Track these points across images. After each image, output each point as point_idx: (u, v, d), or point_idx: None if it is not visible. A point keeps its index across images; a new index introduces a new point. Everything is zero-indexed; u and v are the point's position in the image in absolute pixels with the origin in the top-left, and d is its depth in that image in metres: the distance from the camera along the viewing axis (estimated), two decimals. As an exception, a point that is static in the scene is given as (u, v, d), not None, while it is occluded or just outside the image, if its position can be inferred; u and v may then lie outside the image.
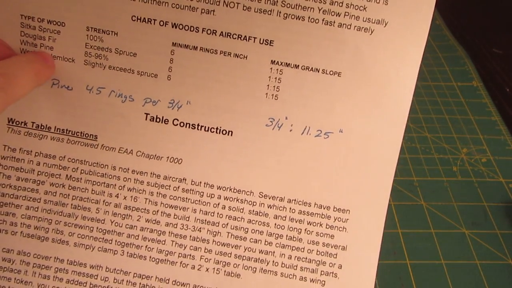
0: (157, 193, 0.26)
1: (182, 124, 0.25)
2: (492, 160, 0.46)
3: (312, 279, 0.26)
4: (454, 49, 0.61)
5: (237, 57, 0.25)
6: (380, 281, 0.36)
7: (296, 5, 0.24)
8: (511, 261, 0.37)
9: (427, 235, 0.39)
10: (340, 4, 0.23)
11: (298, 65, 0.25)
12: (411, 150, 0.47)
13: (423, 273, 0.36)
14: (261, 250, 0.26)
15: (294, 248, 0.26)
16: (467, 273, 0.37)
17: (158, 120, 0.25)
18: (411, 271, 0.36)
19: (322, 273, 0.26)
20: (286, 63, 0.25)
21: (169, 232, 0.26)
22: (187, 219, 0.26)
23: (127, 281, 0.26)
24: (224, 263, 0.26)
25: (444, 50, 0.61)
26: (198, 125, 0.25)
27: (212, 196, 0.26)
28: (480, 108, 0.52)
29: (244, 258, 0.26)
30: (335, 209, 0.26)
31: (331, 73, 0.25)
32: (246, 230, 0.26)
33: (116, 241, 0.26)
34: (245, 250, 0.26)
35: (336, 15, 0.24)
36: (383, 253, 0.38)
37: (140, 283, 0.26)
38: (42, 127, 0.26)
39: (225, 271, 0.26)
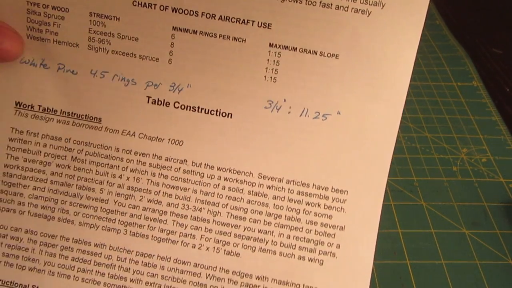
0: (159, 174, 0.26)
1: (183, 107, 0.26)
2: (492, 160, 0.46)
3: (311, 259, 0.26)
4: (454, 49, 0.61)
5: (236, 40, 0.25)
6: (380, 281, 0.36)
7: None
8: (511, 261, 0.38)
9: (427, 235, 0.39)
10: None
11: (296, 48, 0.25)
12: (411, 150, 0.47)
13: (423, 273, 0.37)
14: (260, 230, 0.26)
15: (292, 228, 0.26)
16: (467, 273, 0.37)
17: (159, 103, 0.26)
18: (411, 271, 0.37)
19: (321, 252, 0.26)
20: (284, 46, 0.25)
21: (171, 212, 0.26)
22: (188, 199, 0.26)
23: (129, 259, 0.26)
24: (224, 242, 0.26)
25: (444, 50, 0.61)
26: (198, 107, 0.26)
27: (212, 177, 0.26)
28: (480, 108, 0.52)
29: (243, 237, 0.26)
30: (333, 190, 0.26)
31: (329, 55, 0.25)
32: (246, 210, 0.26)
33: (119, 220, 0.26)
34: (245, 229, 0.26)
35: None
36: (383, 253, 0.39)
37: (142, 261, 0.26)
38: (49, 110, 0.26)
39: (225, 250, 0.26)
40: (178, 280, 0.26)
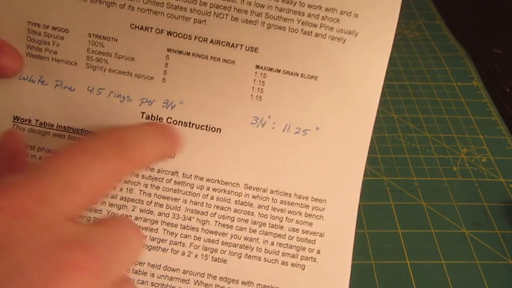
0: (151, 185, 0.28)
1: (175, 122, 0.28)
2: (492, 160, 0.46)
3: (293, 264, 0.28)
4: (454, 49, 0.62)
5: (226, 62, 0.27)
6: (380, 281, 0.36)
7: (278, 16, 0.26)
8: (511, 261, 0.38)
9: (427, 235, 0.40)
10: (317, 17, 0.26)
11: (280, 70, 0.27)
12: (411, 150, 0.47)
13: (423, 273, 0.37)
14: (246, 237, 0.28)
15: (276, 235, 0.28)
16: (467, 273, 0.37)
17: (153, 118, 0.28)
18: (411, 271, 0.37)
19: (302, 258, 0.28)
20: (269, 68, 0.27)
21: (161, 221, 0.28)
22: (178, 209, 0.28)
23: None
24: (212, 250, 0.28)
25: (444, 50, 0.61)
26: (189, 123, 0.28)
27: (202, 187, 0.28)
28: (480, 108, 0.53)
29: (230, 244, 0.28)
30: (313, 199, 0.28)
31: (309, 77, 0.27)
32: (233, 218, 0.28)
33: None
34: (231, 237, 0.28)
35: (313, 26, 0.27)
36: (383, 253, 0.39)
37: (133, 269, 0.28)
38: (45, 124, 0.28)
39: (212, 257, 0.28)
40: (168, 287, 0.28)
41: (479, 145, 0.48)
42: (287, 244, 0.28)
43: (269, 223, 0.28)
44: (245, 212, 0.28)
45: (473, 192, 0.43)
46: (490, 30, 0.66)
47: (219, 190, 0.28)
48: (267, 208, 0.28)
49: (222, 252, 0.28)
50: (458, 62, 0.59)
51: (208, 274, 0.28)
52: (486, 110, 0.52)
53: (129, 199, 0.28)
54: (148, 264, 0.28)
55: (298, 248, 0.28)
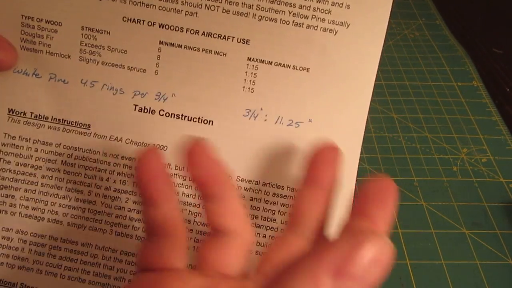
0: None
1: (167, 115, 0.28)
2: (492, 160, 0.46)
3: None
4: (454, 49, 0.61)
5: (217, 54, 0.27)
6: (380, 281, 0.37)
7: (270, 8, 0.26)
8: (511, 261, 0.38)
9: (427, 235, 0.39)
10: (308, 8, 0.26)
11: (272, 62, 0.27)
12: (411, 150, 0.47)
13: (423, 273, 0.37)
14: None
15: (268, 228, 0.28)
16: (467, 273, 0.37)
17: (145, 111, 0.28)
18: (411, 271, 0.37)
19: None
20: (261, 60, 0.27)
21: None
22: None
23: (114, 258, 0.28)
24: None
25: (444, 50, 0.61)
26: (182, 115, 0.28)
27: None
28: (480, 108, 0.52)
29: None
30: None
31: (301, 69, 0.27)
32: None
33: (105, 221, 0.28)
34: None
35: (305, 18, 0.26)
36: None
37: (125, 260, 0.28)
38: (40, 117, 0.28)
39: None
40: None
41: (479, 145, 0.48)
42: None
43: (261, 216, 0.28)
44: None
45: (473, 192, 0.43)
46: (490, 30, 0.65)
47: None
48: (259, 200, 0.28)
49: None
50: (458, 62, 0.59)
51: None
52: (486, 110, 0.52)
53: (122, 191, 0.28)
54: None
55: None
